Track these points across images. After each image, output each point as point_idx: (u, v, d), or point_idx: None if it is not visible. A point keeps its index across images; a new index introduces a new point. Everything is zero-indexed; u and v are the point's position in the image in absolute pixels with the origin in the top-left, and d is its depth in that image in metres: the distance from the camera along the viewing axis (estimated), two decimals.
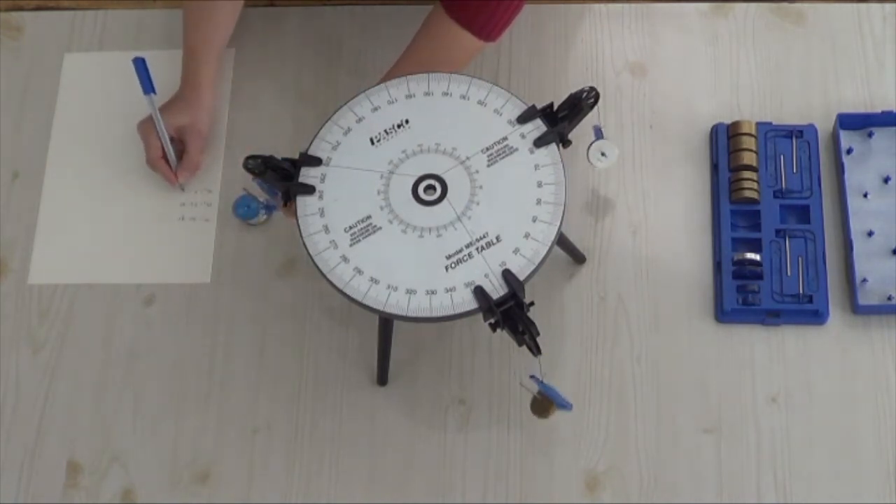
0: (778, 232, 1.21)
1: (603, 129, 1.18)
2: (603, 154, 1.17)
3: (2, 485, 1.17)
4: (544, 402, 1.05)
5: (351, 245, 0.98)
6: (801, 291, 1.18)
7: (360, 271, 0.97)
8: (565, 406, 1.04)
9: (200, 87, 1.25)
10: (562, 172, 0.99)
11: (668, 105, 1.30)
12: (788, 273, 1.19)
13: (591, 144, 1.17)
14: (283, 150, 1.06)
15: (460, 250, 0.97)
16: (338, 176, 1.01)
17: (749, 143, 1.24)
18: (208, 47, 1.25)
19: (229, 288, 1.25)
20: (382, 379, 1.18)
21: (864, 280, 1.19)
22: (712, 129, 1.28)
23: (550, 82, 1.32)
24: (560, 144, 1.01)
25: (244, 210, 1.25)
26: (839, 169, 1.24)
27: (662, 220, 1.25)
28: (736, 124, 1.25)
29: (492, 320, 0.95)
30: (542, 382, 1.02)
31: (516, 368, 1.19)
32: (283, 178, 1.02)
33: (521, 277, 0.95)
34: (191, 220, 1.27)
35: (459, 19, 1.09)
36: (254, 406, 1.19)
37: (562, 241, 1.13)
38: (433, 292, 0.95)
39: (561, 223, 0.97)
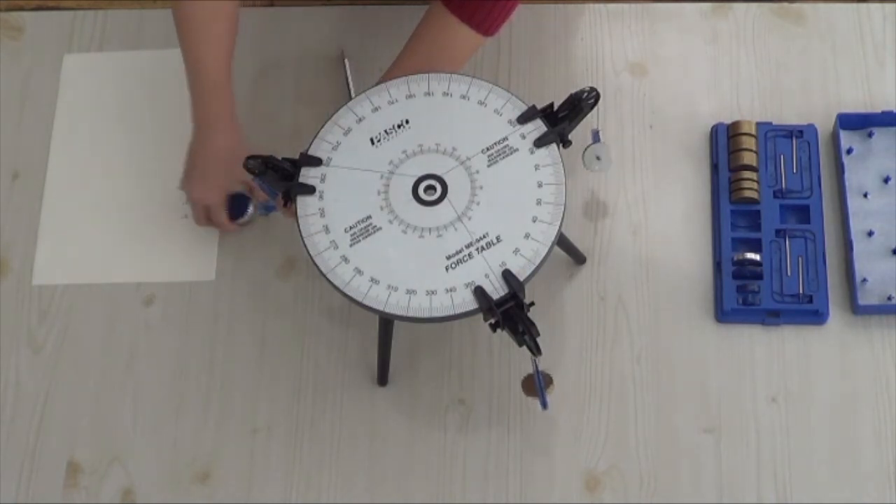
0: (778, 232, 1.21)
1: (601, 133, 1.18)
2: (598, 158, 1.17)
3: (2, 485, 1.17)
4: (534, 384, 1.05)
5: (351, 245, 0.98)
6: (801, 291, 1.18)
7: (360, 271, 0.97)
8: (542, 403, 1.04)
9: (229, 119, 1.18)
10: (562, 173, 0.99)
11: (668, 105, 1.30)
12: (788, 273, 1.19)
13: (586, 148, 1.17)
14: (283, 150, 1.06)
15: (460, 250, 0.97)
16: (338, 176, 1.01)
17: (749, 143, 1.24)
18: (221, 82, 1.17)
19: (229, 288, 1.25)
20: (382, 379, 1.18)
21: (864, 280, 1.19)
22: (712, 129, 1.28)
23: (550, 82, 1.32)
24: (560, 145, 1.01)
25: (234, 211, 1.23)
26: (839, 169, 1.24)
27: (662, 220, 1.25)
28: (736, 124, 1.25)
29: (492, 320, 0.95)
30: (536, 370, 1.02)
31: (516, 368, 1.19)
32: (283, 178, 1.01)
33: (522, 278, 0.95)
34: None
35: (459, 14, 1.08)
36: (254, 406, 1.19)
37: (562, 241, 1.13)
38: (433, 292, 0.95)
39: (561, 223, 0.97)
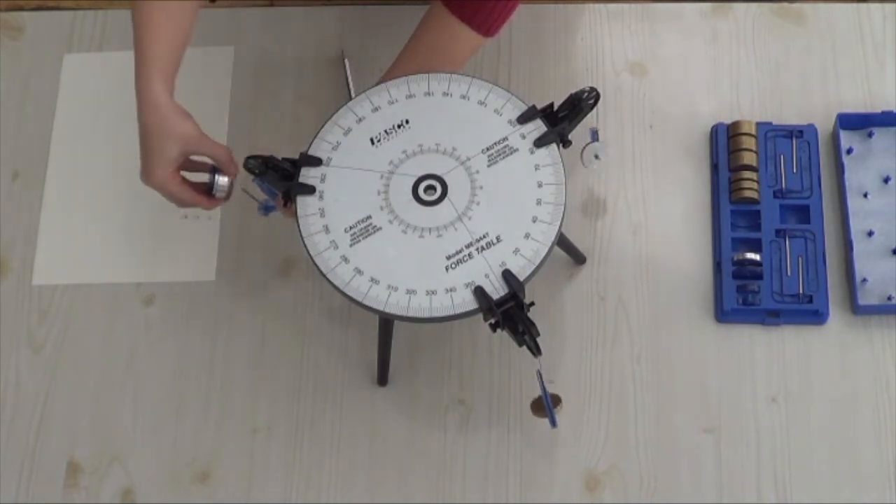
0: (778, 232, 1.21)
1: (600, 132, 1.18)
2: (596, 157, 1.17)
3: (2, 485, 1.17)
4: (542, 405, 1.05)
5: (351, 245, 0.98)
6: (801, 291, 1.18)
7: (360, 271, 0.97)
8: (552, 422, 1.04)
9: (150, 95, 1.04)
10: (562, 173, 0.99)
11: (668, 105, 1.30)
12: (788, 273, 1.19)
13: (585, 146, 1.17)
14: (283, 150, 1.06)
15: (460, 250, 0.97)
16: (338, 176, 1.01)
17: (749, 142, 1.24)
18: (147, 57, 1.04)
19: (229, 288, 1.25)
20: (382, 379, 1.18)
21: (864, 280, 1.19)
22: (712, 129, 1.28)
23: (550, 82, 1.32)
24: (560, 145, 1.01)
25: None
26: (839, 169, 1.24)
27: (662, 220, 1.25)
28: (736, 124, 1.25)
29: (492, 320, 0.95)
30: (543, 388, 1.02)
31: (516, 368, 1.19)
32: (283, 178, 1.01)
33: (522, 278, 0.95)
34: (194, 217, 1.27)
35: (459, 15, 1.08)
36: (254, 406, 1.19)
37: (562, 241, 1.13)
38: (433, 292, 0.95)
39: (561, 223, 0.97)
